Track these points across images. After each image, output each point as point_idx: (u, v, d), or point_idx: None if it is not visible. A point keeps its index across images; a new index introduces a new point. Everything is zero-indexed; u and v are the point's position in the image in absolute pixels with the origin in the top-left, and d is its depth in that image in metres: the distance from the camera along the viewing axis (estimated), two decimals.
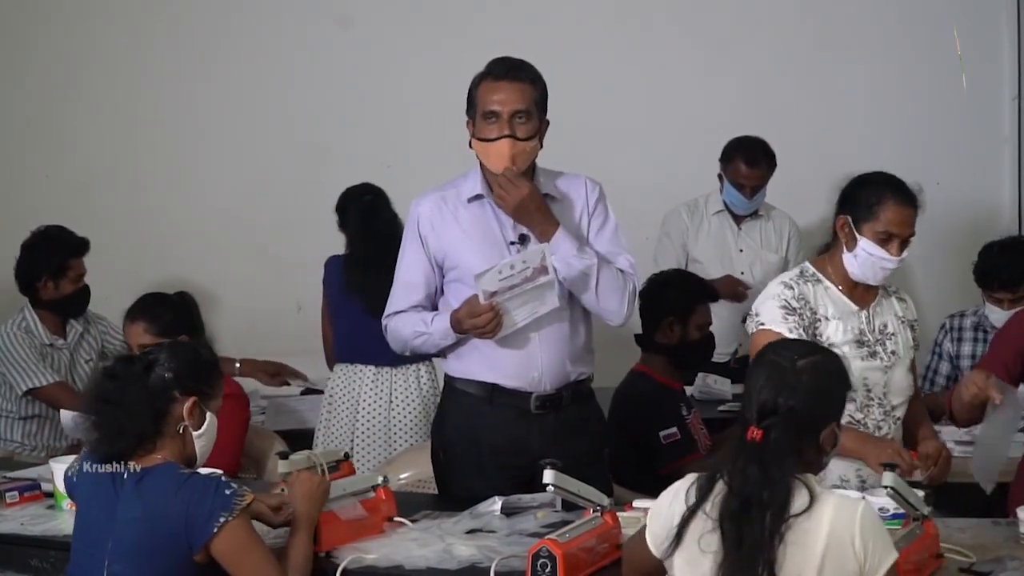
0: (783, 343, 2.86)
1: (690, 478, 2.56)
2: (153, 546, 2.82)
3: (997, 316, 4.77)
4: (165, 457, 2.90)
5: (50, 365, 4.90)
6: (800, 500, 2.43)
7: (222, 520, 2.79)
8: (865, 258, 3.32)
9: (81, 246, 5.00)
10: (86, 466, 2.96)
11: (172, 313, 3.96)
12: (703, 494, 2.50)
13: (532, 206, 3.46)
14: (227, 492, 2.82)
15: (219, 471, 3.03)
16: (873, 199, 3.31)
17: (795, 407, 2.48)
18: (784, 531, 2.40)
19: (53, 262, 4.96)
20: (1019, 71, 6.15)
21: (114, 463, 2.90)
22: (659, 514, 2.59)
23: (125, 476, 2.88)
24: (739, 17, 6.31)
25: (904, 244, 3.32)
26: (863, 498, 2.78)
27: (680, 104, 6.29)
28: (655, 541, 2.59)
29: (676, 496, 2.56)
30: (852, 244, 3.34)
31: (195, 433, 2.95)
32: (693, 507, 2.50)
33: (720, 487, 2.49)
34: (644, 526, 2.65)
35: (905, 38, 6.24)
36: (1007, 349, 3.58)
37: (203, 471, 2.96)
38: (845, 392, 2.63)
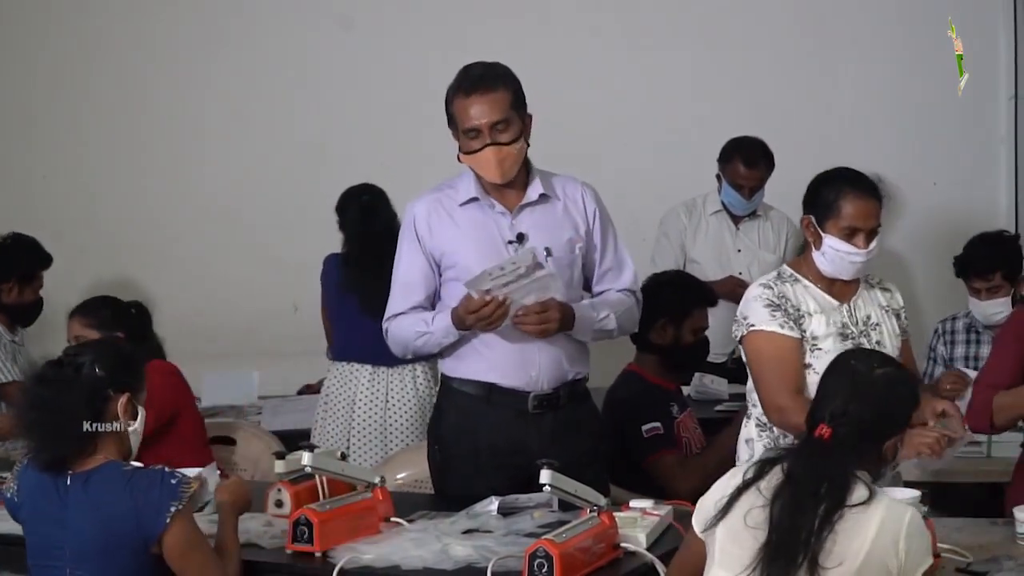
0: (865, 352, 2.96)
1: (744, 464, 2.68)
2: (110, 545, 2.84)
3: (978, 310, 4.81)
4: (106, 456, 2.91)
5: (15, 363, 4.97)
6: (858, 494, 2.52)
7: (172, 510, 2.82)
8: (833, 255, 3.34)
9: (49, 259, 5.19)
10: (26, 480, 2.97)
11: (111, 310, 4.11)
12: (760, 472, 2.59)
13: (564, 318, 3.47)
14: (173, 482, 2.85)
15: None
16: (832, 196, 3.33)
17: (865, 415, 2.60)
18: (836, 520, 2.48)
19: (25, 268, 5.11)
20: (1016, 72, 6.15)
21: (55, 470, 2.90)
22: (711, 494, 2.67)
23: (69, 482, 2.89)
24: (737, 17, 6.31)
25: (871, 236, 3.33)
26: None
27: (678, 104, 6.29)
28: (701, 517, 2.66)
29: (732, 476, 2.65)
30: (819, 243, 3.36)
31: (130, 428, 2.96)
32: (749, 481, 2.58)
33: (777, 471, 2.57)
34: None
35: (902, 39, 6.24)
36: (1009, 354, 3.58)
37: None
38: (912, 409, 2.74)
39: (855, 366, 2.69)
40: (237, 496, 3.11)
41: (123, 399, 2.94)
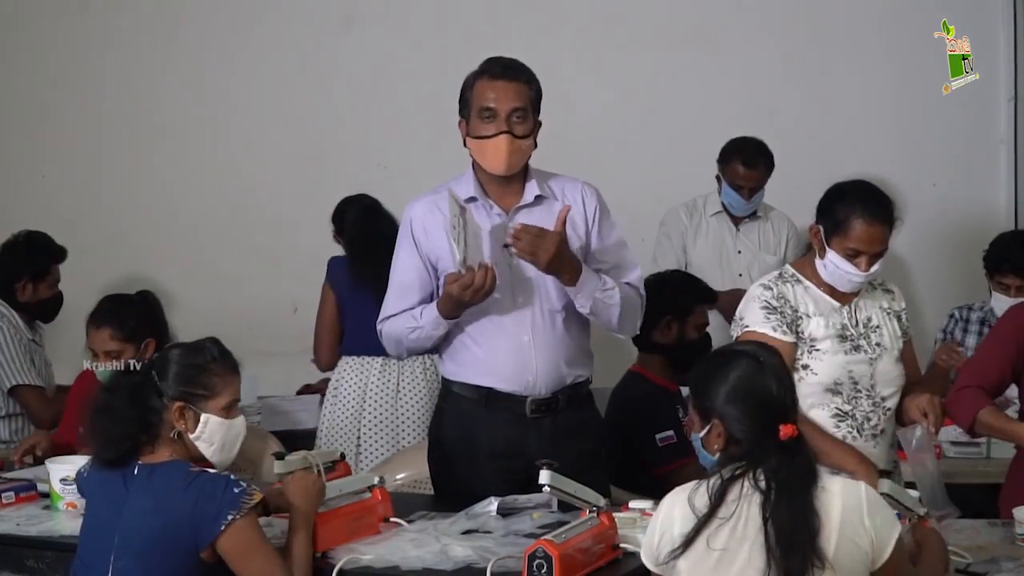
0: (743, 345, 2.87)
1: (680, 492, 2.60)
2: (160, 541, 2.85)
3: (1001, 304, 4.77)
4: (172, 455, 2.94)
5: (34, 365, 4.96)
6: (823, 477, 2.56)
7: (230, 518, 2.81)
8: (833, 269, 3.36)
9: (62, 253, 5.13)
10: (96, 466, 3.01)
11: (136, 317, 4.00)
12: (719, 501, 2.54)
13: (562, 256, 3.41)
14: (236, 491, 2.84)
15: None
16: (842, 215, 3.32)
17: (793, 403, 2.66)
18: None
19: (36, 265, 5.07)
20: (1015, 73, 6.15)
21: (112, 468, 2.93)
22: (656, 531, 2.61)
23: (136, 471, 2.92)
24: (736, 18, 6.30)
25: (874, 259, 3.33)
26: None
27: (677, 104, 6.28)
28: (651, 555, 2.62)
29: (673, 506, 2.60)
30: (823, 253, 3.37)
31: (192, 436, 2.96)
32: (710, 513, 2.53)
33: (736, 487, 2.53)
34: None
35: (902, 39, 6.23)
36: (1003, 348, 3.58)
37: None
38: None
39: (767, 360, 2.64)
40: (308, 496, 3.02)
41: (175, 409, 2.95)
